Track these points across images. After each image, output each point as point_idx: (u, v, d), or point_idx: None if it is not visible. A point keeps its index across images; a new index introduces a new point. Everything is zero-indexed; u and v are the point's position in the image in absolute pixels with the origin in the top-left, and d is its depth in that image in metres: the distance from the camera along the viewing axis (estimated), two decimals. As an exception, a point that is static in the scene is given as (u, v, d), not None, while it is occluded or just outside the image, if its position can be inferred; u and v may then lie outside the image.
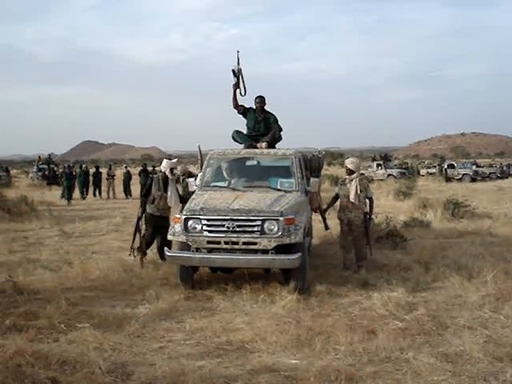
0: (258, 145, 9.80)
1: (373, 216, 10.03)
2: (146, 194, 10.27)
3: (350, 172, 9.69)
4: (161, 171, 10.56)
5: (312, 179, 9.34)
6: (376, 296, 7.58)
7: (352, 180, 9.57)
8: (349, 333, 6.18)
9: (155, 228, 10.12)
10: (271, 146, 9.88)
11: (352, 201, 9.41)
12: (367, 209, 9.72)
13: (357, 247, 9.56)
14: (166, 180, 10.29)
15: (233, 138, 10.13)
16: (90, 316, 6.93)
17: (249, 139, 9.97)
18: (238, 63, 10.14)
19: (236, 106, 10.21)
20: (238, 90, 10.21)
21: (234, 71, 10.15)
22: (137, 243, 10.00)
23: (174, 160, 11.27)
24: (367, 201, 9.73)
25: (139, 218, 10.12)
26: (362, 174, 9.47)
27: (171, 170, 10.38)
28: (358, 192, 9.42)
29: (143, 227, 10.15)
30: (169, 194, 10.17)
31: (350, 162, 9.81)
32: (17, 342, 5.57)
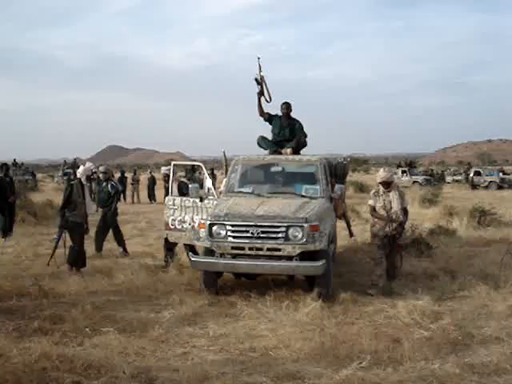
0: (283, 151, 9.79)
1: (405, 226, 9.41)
2: (66, 202, 9.88)
3: (388, 184, 8.82)
4: (78, 178, 10.16)
5: (337, 186, 9.28)
6: (401, 304, 7.50)
7: (390, 191, 8.81)
8: (373, 341, 6.13)
9: (83, 235, 10.04)
10: (296, 152, 9.86)
11: (397, 211, 8.69)
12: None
13: (389, 261, 8.87)
14: (83, 186, 10.01)
15: (258, 143, 10.13)
16: (114, 320, 6.97)
17: (274, 145, 9.96)
18: (260, 70, 10.14)
19: (261, 113, 10.21)
20: (262, 98, 10.22)
21: (256, 79, 10.17)
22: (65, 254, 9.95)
23: (88, 165, 10.75)
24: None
25: (62, 228, 9.90)
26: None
27: (87, 176, 10.16)
28: (401, 201, 8.79)
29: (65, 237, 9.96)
30: (87, 200, 9.99)
31: (386, 175, 8.83)
32: (42, 345, 5.59)
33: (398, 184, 9.20)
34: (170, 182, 10.54)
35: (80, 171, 10.15)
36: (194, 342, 6.35)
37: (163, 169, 12.13)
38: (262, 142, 10.07)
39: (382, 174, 8.93)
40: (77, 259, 9.85)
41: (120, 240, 12.12)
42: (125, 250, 11.98)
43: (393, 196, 8.78)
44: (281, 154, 9.79)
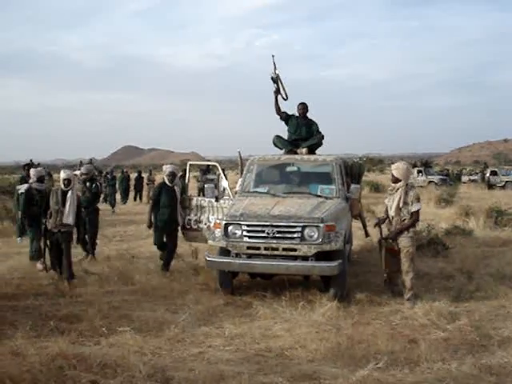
0: (299, 150, 9.78)
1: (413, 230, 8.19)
2: (46, 208, 9.06)
3: (395, 180, 8.13)
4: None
5: (353, 186, 9.26)
6: (417, 305, 7.48)
7: (398, 190, 8.06)
8: (390, 342, 6.12)
9: (57, 245, 9.00)
10: (312, 151, 9.84)
11: (392, 214, 8.03)
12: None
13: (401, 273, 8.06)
14: (64, 193, 8.97)
15: (273, 143, 10.11)
16: (130, 320, 7.00)
17: (289, 145, 9.95)
18: (275, 68, 10.13)
19: (278, 112, 10.20)
20: (279, 96, 10.21)
21: (272, 78, 10.16)
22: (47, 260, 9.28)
23: (66, 170, 10.06)
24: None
25: (45, 236, 9.09)
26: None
27: (64, 181, 8.98)
28: (400, 205, 7.94)
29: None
30: (66, 209, 8.86)
31: (394, 168, 8.23)
32: (59, 344, 5.62)
33: (414, 185, 8.49)
34: (187, 181, 10.55)
35: (31, 174, 9.44)
36: (209, 341, 6.35)
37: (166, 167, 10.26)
38: (278, 141, 10.06)
39: (396, 164, 8.37)
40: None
41: (93, 243, 11.42)
42: (93, 254, 11.26)
43: (396, 196, 8.04)
44: (296, 153, 9.77)
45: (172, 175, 10.13)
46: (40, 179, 10.50)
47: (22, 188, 10.39)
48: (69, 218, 8.86)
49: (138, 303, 7.91)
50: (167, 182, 10.07)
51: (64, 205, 8.84)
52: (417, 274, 9.20)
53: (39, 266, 9.73)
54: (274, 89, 10.16)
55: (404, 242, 7.96)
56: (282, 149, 10.05)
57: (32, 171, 10.71)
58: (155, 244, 10.28)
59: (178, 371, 5.33)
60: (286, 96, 10.29)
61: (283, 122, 10.17)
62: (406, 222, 7.98)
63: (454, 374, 5.27)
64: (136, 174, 29.72)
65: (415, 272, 8.14)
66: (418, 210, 8.05)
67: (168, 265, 10.00)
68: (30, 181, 10.49)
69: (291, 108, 10.20)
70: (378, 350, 5.90)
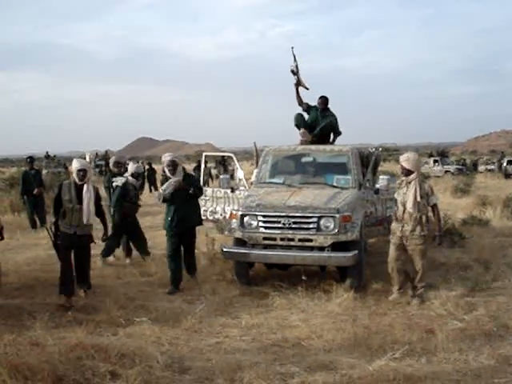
0: (301, 130, 9.74)
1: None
2: (56, 206, 7.69)
3: (407, 172, 7.55)
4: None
5: (381, 176, 9.19)
6: (434, 295, 7.46)
7: (410, 183, 7.49)
8: (407, 332, 6.12)
9: (71, 250, 7.66)
10: (326, 136, 9.80)
11: (410, 210, 7.36)
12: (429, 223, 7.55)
13: (412, 269, 7.65)
14: (79, 187, 7.59)
15: (295, 119, 9.99)
16: (147, 310, 7.05)
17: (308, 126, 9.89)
18: (295, 60, 10.10)
19: (300, 103, 10.17)
20: (300, 87, 10.17)
21: (292, 71, 10.13)
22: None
23: (87, 159, 8.87)
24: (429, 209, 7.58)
25: (54, 241, 7.75)
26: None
27: (79, 172, 7.59)
28: (418, 199, 7.33)
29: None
30: (84, 206, 7.49)
31: (405, 159, 7.58)
32: (77, 334, 5.67)
33: (427, 176, 8.37)
34: (202, 172, 10.57)
35: (73, 167, 7.88)
36: (226, 332, 6.39)
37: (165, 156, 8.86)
38: (299, 119, 9.95)
39: (406, 155, 7.75)
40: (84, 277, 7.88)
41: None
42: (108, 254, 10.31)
43: (410, 190, 7.42)
44: (312, 143, 9.71)
45: (173, 165, 8.54)
46: (135, 175, 10.23)
47: (120, 181, 9.89)
48: (87, 216, 7.53)
49: (154, 294, 7.98)
50: (168, 174, 8.62)
51: (80, 202, 7.51)
52: (433, 265, 9.20)
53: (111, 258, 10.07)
54: (295, 81, 10.13)
55: (417, 240, 7.43)
56: (300, 128, 9.95)
57: (130, 166, 10.36)
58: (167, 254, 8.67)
59: (195, 361, 5.38)
60: (307, 86, 10.26)
61: (305, 113, 10.12)
62: (423, 217, 7.42)
63: (472, 365, 5.26)
64: (147, 166, 29.83)
65: (426, 269, 7.73)
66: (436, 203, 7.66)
67: (194, 269, 8.84)
68: (126, 175, 10.19)
69: (310, 99, 10.18)
70: (395, 340, 5.90)
